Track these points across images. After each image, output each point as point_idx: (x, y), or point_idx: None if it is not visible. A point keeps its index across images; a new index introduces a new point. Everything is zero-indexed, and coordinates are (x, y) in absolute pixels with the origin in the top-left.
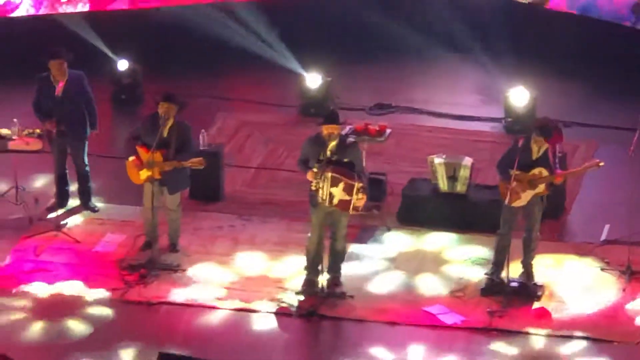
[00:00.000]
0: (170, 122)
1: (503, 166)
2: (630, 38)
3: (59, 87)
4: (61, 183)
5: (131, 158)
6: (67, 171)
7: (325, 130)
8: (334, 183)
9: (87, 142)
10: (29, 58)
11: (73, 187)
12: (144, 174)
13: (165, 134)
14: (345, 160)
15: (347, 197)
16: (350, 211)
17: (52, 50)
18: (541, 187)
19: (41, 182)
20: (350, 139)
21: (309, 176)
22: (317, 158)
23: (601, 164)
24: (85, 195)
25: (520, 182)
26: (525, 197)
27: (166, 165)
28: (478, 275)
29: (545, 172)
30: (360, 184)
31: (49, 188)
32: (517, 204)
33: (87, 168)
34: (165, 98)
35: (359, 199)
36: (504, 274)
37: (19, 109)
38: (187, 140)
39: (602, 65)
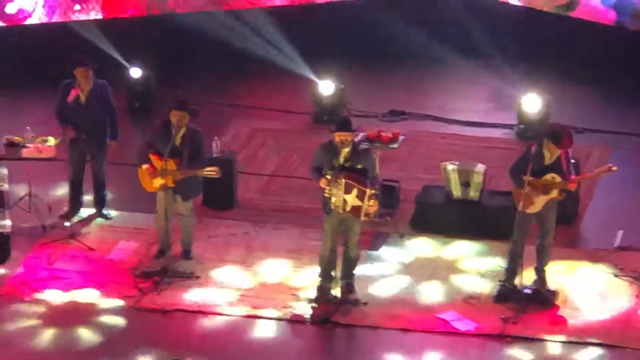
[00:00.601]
0: (182, 130)
1: (516, 172)
2: None
3: (83, 95)
4: (76, 190)
5: (144, 166)
6: (83, 180)
7: (338, 137)
8: (348, 190)
9: (106, 151)
10: (41, 66)
11: (86, 195)
12: (158, 182)
13: (177, 142)
14: (359, 167)
15: (359, 203)
16: (362, 217)
17: (78, 58)
18: (554, 193)
19: (54, 189)
20: (364, 146)
21: (322, 183)
22: (330, 165)
23: (614, 168)
24: (99, 203)
25: (533, 188)
26: (539, 203)
27: (181, 173)
28: (492, 281)
29: (558, 178)
30: (372, 191)
31: (63, 196)
32: (531, 210)
33: (104, 176)
34: (177, 106)
35: (370, 206)
36: (517, 281)
37: (32, 116)
38: (199, 147)
39: (615, 71)
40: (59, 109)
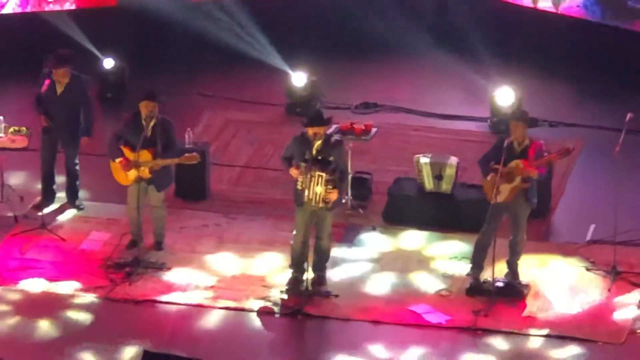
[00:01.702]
0: (153, 121)
1: (484, 162)
2: (616, 38)
3: (60, 87)
4: (48, 181)
5: (118, 160)
6: (55, 169)
7: (311, 130)
8: (320, 182)
9: (79, 142)
10: (14, 56)
11: (59, 185)
12: (133, 174)
13: (149, 132)
14: (331, 158)
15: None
16: (320, 204)
17: (58, 58)
18: (518, 181)
19: (27, 180)
20: (336, 138)
21: (293, 172)
22: (302, 157)
23: (571, 148)
24: (72, 193)
25: (500, 176)
26: (504, 191)
27: (159, 162)
28: (463, 274)
29: (522, 164)
30: (327, 176)
31: (35, 186)
32: (499, 199)
33: (77, 167)
34: (146, 97)
35: (328, 192)
36: (488, 274)
37: (4, 106)
38: (171, 137)
39: (588, 66)
40: (37, 96)
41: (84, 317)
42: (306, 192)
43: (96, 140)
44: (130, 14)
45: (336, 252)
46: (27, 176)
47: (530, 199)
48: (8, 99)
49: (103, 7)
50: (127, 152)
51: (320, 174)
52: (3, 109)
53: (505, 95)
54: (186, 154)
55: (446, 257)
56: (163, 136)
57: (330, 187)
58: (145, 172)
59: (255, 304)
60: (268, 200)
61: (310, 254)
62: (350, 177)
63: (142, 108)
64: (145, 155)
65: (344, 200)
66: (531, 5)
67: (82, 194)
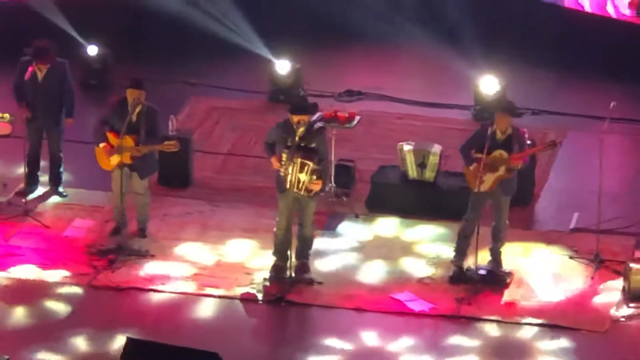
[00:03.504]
0: (139, 108)
1: (466, 151)
2: (601, 26)
3: (41, 73)
4: (32, 168)
5: (102, 145)
6: (40, 156)
7: (296, 118)
8: (302, 168)
9: (63, 129)
10: None
11: (42, 172)
12: (115, 159)
13: (134, 119)
14: (313, 145)
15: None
16: (302, 192)
17: (40, 50)
18: (502, 170)
19: (10, 166)
20: (318, 125)
21: (273, 162)
22: (285, 144)
23: (558, 141)
24: (55, 180)
25: (483, 166)
26: (488, 180)
27: (138, 149)
28: (447, 262)
29: (505, 155)
30: (314, 166)
31: (18, 173)
32: (482, 188)
33: (61, 154)
34: (133, 84)
35: (312, 182)
36: (471, 262)
37: None
38: (156, 124)
39: (572, 54)
40: (16, 85)
41: (66, 305)
42: (288, 177)
43: (80, 128)
44: (114, 0)
45: (319, 239)
46: (10, 163)
47: (511, 186)
48: None
49: None
50: (111, 137)
51: (307, 162)
52: None
53: (488, 84)
54: (166, 142)
55: (429, 245)
56: (147, 123)
57: (315, 177)
58: (127, 158)
59: (239, 291)
60: (251, 188)
61: (293, 242)
62: (333, 165)
63: (128, 95)
64: (128, 141)
65: (327, 189)
66: None
67: (65, 180)
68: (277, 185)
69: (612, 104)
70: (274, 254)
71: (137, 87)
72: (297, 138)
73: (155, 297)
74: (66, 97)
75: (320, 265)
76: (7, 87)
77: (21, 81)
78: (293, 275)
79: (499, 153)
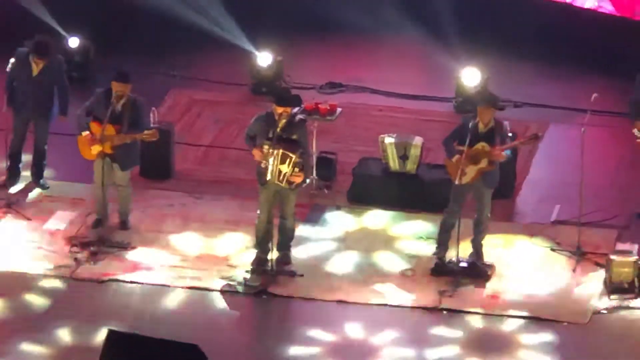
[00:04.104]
0: (124, 99)
1: (448, 142)
2: (583, 18)
3: (37, 68)
4: (15, 160)
5: (84, 133)
6: (23, 149)
7: (280, 109)
8: (283, 160)
9: (50, 122)
10: None
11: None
12: (96, 149)
13: (118, 109)
14: (294, 137)
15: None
16: (284, 184)
17: (39, 44)
18: (484, 163)
19: None
20: (299, 117)
21: (255, 153)
22: (266, 136)
23: (539, 134)
24: (37, 172)
25: (465, 158)
26: (470, 172)
27: (118, 139)
28: (428, 254)
29: (488, 147)
30: (296, 158)
31: (0, 165)
32: (464, 180)
33: (46, 147)
34: (117, 78)
35: (294, 174)
36: (452, 254)
37: None
38: (141, 116)
39: (554, 46)
40: (9, 76)
41: (48, 297)
42: (269, 168)
43: (61, 120)
44: None
45: (301, 231)
46: None
47: (493, 178)
48: None
49: None
50: (94, 126)
51: (288, 154)
52: None
53: (470, 76)
54: (146, 131)
55: (411, 237)
56: (132, 114)
57: (297, 169)
58: (108, 148)
59: (220, 284)
60: (233, 180)
61: (275, 234)
62: (315, 157)
63: (113, 88)
64: (109, 130)
65: (308, 181)
66: None
67: (47, 173)
68: (258, 177)
69: (593, 96)
70: (256, 246)
71: (123, 81)
72: (278, 130)
73: (136, 289)
74: (61, 94)
75: (302, 258)
76: None
77: (13, 73)
78: (274, 267)
79: (481, 145)
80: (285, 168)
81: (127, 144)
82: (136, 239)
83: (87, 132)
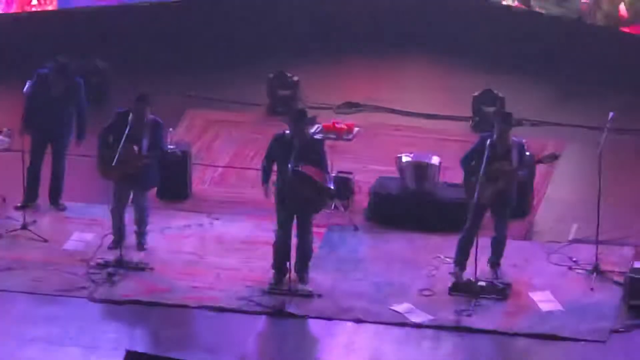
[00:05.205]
0: (143, 120)
1: (466, 161)
2: (600, 38)
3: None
4: (33, 182)
5: (103, 154)
6: (41, 170)
7: (295, 129)
8: (304, 184)
9: (69, 144)
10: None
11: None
12: (115, 170)
13: (137, 131)
14: (312, 156)
15: (314, 196)
16: (316, 211)
17: (60, 65)
18: (502, 182)
19: (8, 180)
20: (317, 137)
21: (264, 190)
22: (284, 158)
23: (557, 154)
24: (55, 194)
25: (482, 177)
26: (487, 191)
27: (141, 160)
28: (446, 273)
29: (505, 166)
30: (332, 191)
31: (17, 186)
32: (482, 199)
33: (64, 168)
34: (138, 99)
35: (324, 202)
36: (469, 273)
37: None
38: (160, 137)
39: (570, 65)
40: (29, 97)
41: (64, 318)
42: (289, 193)
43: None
44: (110, 13)
45: (319, 251)
46: (8, 177)
47: (510, 197)
48: None
49: (87, 8)
50: (113, 148)
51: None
52: None
53: (487, 95)
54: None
55: (428, 256)
56: (150, 135)
57: (328, 198)
58: (128, 170)
59: (238, 304)
60: (250, 200)
61: (292, 254)
62: (332, 176)
63: (133, 108)
64: (129, 152)
65: (343, 210)
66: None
67: (64, 194)
68: (275, 196)
69: (610, 115)
70: (273, 266)
71: (143, 102)
72: (295, 152)
73: (154, 310)
74: (79, 118)
75: (319, 278)
76: (7, 100)
77: (33, 94)
78: (292, 287)
79: (499, 164)
80: (306, 191)
81: (145, 165)
82: (153, 259)
83: (106, 154)
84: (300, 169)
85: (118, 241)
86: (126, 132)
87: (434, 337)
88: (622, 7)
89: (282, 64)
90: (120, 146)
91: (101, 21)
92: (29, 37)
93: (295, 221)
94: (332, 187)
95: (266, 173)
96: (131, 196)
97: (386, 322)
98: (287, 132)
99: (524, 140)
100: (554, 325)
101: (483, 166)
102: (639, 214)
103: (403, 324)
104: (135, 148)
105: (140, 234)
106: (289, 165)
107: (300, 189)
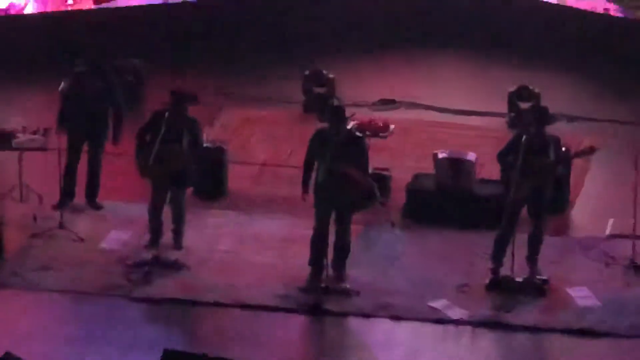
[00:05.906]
0: (180, 119)
1: (503, 157)
2: (636, 31)
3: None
4: (69, 181)
5: (141, 154)
6: (77, 169)
7: (331, 126)
8: (350, 185)
9: (105, 142)
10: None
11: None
12: (154, 169)
13: (175, 129)
14: (352, 154)
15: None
16: (357, 211)
17: (95, 65)
18: (539, 177)
19: (45, 179)
20: (356, 134)
21: (303, 192)
22: (323, 156)
23: (596, 147)
24: (92, 192)
25: (521, 172)
26: (524, 187)
27: (182, 159)
28: (484, 270)
29: (542, 162)
30: (378, 197)
31: (54, 186)
32: (518, 195)
33: (100, 167)
34: (175, 97)
35: (368, 205)
36: (507, 269)
37: (23, 106)
38: (197, 136)
39: (608, 60)
40: (65, 95)
41: (102, 317)
42: (332, 190)
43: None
44: (149, 12)
45: (356, 248)
46: (45, 176)
47: (546, 192)
48: (26, 99)
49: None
50: (151, 147)
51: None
52: (21, 110)
53: (523, 91)
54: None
55: (466, 252)
56: (189, 134)
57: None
58: (167, 168)
59: (275, 302)
60: (287, 198)
61: (329, 251)
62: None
63: (170, 107)
64: (169, 151)
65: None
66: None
67: (101, 193)
68: (314, 192)
69: None
70: (310, 263)
71: (180, 101)
72: (334, 149)
73: (192, 309)
74: (116, 118)
75: (357, 275)
76: (43, 99)
77: (69, 93)
78: (329, 284)
79: (536, 160)
80: (349, 190)
81: (183, 164)
82: (190, 258)
83: (145, 152)
84: (344, 170)
85: (155, 240)
86: (162, 131)
87: (472, 334)
88: None
89: (317, 61)
90: (158, 145)
91: (137, 20)
92: (64, 36)
93: (334, 217)
94: (378, 193)
95: (307, 173)
96: (169, 195)
97: (423, 318)
98: (323, 129)
99: (559, 136)
100: (592, 321)
101: (520, 162)
102: None
103: (440, 321)
104: (175, 147)
105: (178, 233)
106: (330, 162)
107: (346, 190)
